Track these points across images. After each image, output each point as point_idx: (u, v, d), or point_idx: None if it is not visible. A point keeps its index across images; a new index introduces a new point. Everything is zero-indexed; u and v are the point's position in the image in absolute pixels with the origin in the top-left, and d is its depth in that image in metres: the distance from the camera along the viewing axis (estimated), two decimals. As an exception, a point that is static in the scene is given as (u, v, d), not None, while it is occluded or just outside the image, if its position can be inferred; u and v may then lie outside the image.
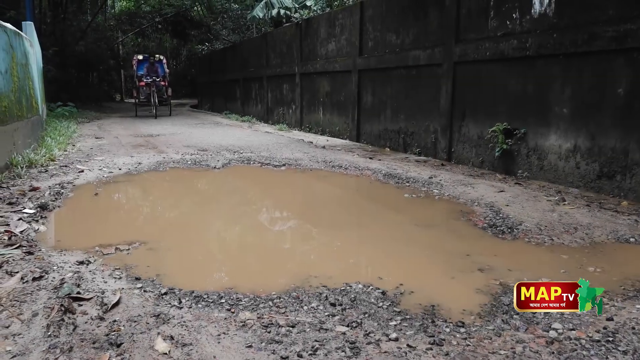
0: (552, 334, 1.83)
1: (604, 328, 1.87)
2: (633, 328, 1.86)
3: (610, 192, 4.03)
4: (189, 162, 5.79)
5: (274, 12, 11.91)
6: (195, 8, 22.62)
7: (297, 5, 11.98)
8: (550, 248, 2.85)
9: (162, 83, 14.29)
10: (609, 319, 1.94)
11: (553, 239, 2.99)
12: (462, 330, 1.86)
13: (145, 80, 13.89)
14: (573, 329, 1.86)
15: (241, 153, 6.57)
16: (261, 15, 12.27)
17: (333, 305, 2.07)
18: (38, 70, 8.86)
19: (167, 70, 14.89)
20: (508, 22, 4.96)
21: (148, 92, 14.05)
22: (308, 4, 11.95)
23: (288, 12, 11.92)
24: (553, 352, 1.70)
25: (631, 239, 2.96)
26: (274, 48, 11.52)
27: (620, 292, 2.22)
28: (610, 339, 1.78)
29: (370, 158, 6.20)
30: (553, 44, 4.41)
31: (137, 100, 14.59)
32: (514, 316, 1.98)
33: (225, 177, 5.12)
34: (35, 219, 3.31)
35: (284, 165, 5.67)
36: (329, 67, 8.69)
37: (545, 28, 4.53)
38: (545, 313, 2.00)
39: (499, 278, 2.38)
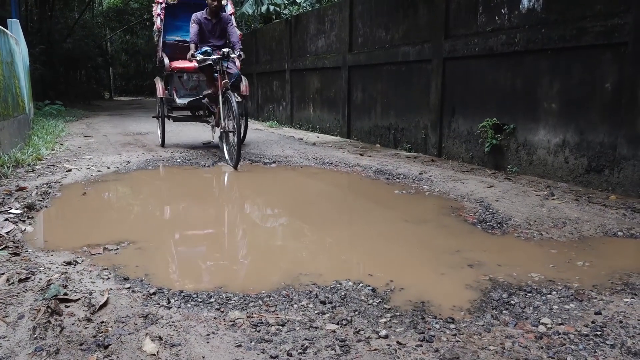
0: (541, 328, 1.84)
1: (592, 322, 1.88)
2: (621, 322, 1.87)
3: (599, 187, 4.06)
4: (179, 161, 5.75)
5: (264, 8, 11.86)
6: (184, 5, 22.45)
7: (286, 2, 11.93)
8: (539, 243, 2.87)
9: (236, 68, 5.90)
10: (597, 313, 1.95)
11: (542, 233, 3.00)
12: (452, 326, 1.86)
13: (195, 57, 5.50)
14: (562, 324, 1.87)
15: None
16: (250, 11, 12.21)
17: (323, 303, 2.06)
18: (24, 68, 8.75)
19: (239, 33, 6.11)
20: (497, 18, 4.97)
21: (208, 91, 5.89)
22: (298, 0, 11.91)
23: (277, 9, 11.88)
24: (542, 347, 1.70)
25: (619, 233, 2.98)
26: (264, 44, 11.46)
27: (608, 286, 2.23)
28: (599, 333, 1.79)
29: (361, 154, 6.19)
30: (541, 39, 4.43)
31: (162, 103, 6.59)
32: (504, 312, 1.99)
33: (214, 175, 5.09)
34: (22, 219, 3.27)
35: (274, 162, 5.65)
36: (319, 64, 8.67)
37: (534, 23, 4.54)
38: (534, 308, 2.01)
39: (488, 274, 2.39)
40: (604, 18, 3.90)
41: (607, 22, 3.87)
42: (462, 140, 5.57)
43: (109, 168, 5.27)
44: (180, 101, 6.49)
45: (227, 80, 5.36)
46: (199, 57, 5.48)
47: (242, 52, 5.68)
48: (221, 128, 5.54)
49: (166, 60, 6.55)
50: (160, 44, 6.70)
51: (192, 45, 5.71)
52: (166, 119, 6.77)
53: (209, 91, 5.86)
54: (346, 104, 7.89)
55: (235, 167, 5.13)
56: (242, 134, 5.53)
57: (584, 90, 4.14)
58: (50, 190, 4.12)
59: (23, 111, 7.11)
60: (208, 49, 5.56)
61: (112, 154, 6.23)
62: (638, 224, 3.14)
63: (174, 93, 6.59)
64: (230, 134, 5.39)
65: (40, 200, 3.77)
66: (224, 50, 5.42)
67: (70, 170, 5.08)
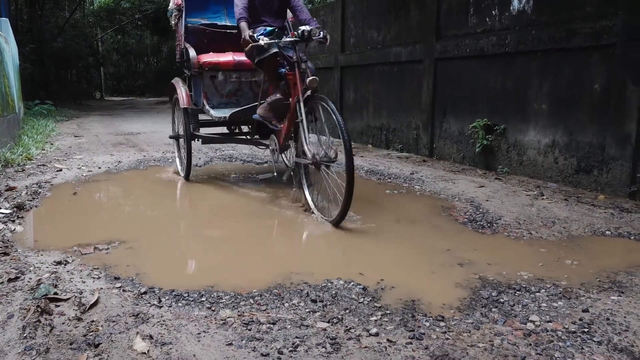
0: (530, 326, 1.86)
1: (580, 319, 1.90)
2: (607, 319, 1.90)
3: (588, 187, 4.10)
4: (170, 160, 5.73)
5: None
6: (176, 4, 22.36)
7: (278, 2, 11.92)
8: (528, 242, 2.90)
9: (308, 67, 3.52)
10: (585, 311, 1.97)
11: (532, 232, 3.03)
12: (442, 324, 1.88)
13: (257, 40, 3.42)
14: (550, 321, 1.89)
15: (223, 150, 6.53)
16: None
17: (314, 301, 2.07)
18: (14, 67, 8.69)
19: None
20: (487, 19, 5.01)
21: (275, 96, 3.80)
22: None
23: (270, 9, 11.84)
24: (530, 344, 1.72)
25: (607, 232, 3.02)
26: (256, 45, 11.44)
27: (596, 284, 2.26)
28: (586, 330, 1.82)
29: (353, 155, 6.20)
30: (532, 41, 4.46)
31: (187, 117, 4.43)
32: (493, 310, 2.01)
33: (206, 175, 5.08)
34: (12, 219, 3.25)
35: (266, 162, 5.65)
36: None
37: (524, 24, 4.58)
38: (523, 306, 2.03)
39: (478, 272, 2.41)
40: (593, 20, 3.95)
41: (596, 24, 3.91)
42: (453, 141, 5.60)
43: (99, 168, 5.25)
44: (215, 113, 4.26)
45: (315, 77, 3.31)
46: (264, 40, 3.39)
47: (326, 33, 3.52)
48: (301, 156, 3.50)
49: (192, 53, 4.38)
50: (182, 30, 4.57)
51: (244, 24, 3.66)
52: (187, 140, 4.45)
53: (275, 97, 3.77)
54: (338, 104, 7.91)
55: (337, 225, 3.13)
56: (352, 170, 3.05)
57: (573, 91, 4.18)
58: (40, 190, 4.09)
59: (13, 111, 7.06)
60: (261, 25, 3.73)
61: (103, 154, 6.20)
62: (626, 223, 3.18)
63: (204, 101, 4.37)
64: (323, 167, 3.29)
65: (30, 200, 3.74)
66: (303, 28, 3.36)
67: (60, 170, 5.05)
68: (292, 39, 3.41)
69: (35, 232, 3.14)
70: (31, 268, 2.39)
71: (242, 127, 5.00)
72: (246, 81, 4.55)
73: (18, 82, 9.26)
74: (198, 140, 4.64)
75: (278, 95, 3.78)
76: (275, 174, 3.95)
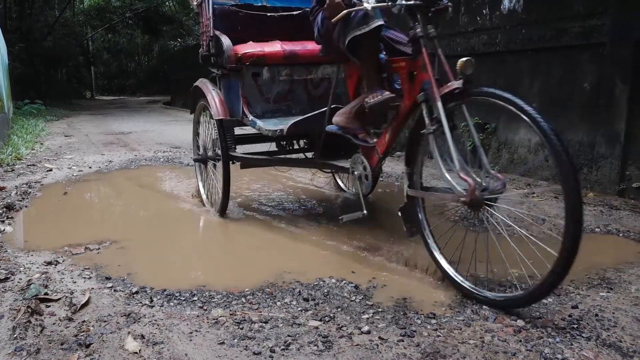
0: (520, 322, 1.87)
1: (569, 316, 1.92)
2: (596, 315, 1.92)
3: (577, 184, 4.13)
4: (162, 160, 5.71)
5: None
6: (167, 3, 22.31)
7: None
8: (518, 239, 2.91)
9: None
10: (574, 307, 2.00)
11: (522, 230, 3.05)
12: (433, 321, 1.89)
13: (359, 2, 2.24)
14: (539, 318, 1.91)
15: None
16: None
17: (306, 300, 2.08)
18: (3, 66, 8.61)
19: None
20: (478, 18, 5.03)
21: (379, 95, 2.39)
22: None
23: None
24: (520, 341, 1.74)
25: (596, 229, 3.05)
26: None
27: (585, 281, 2.28)
28: (575, 326, 1.84)
29: (345, 153, 6.21)
30: (522, 39, 4.49)
31: (222, 132, 3.16)
32: (484, 307, 2.02)
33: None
34: (1, 219, 3.23)
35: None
36: (303, 63, 8.66)
37: (514, 24, 4.61)
38: (513, 303, 2.04)
39: (469, 270, 2.42)
40: (583, 19, 3.98)
41: (586, 23, 3.94)
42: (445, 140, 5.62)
43: (90, 167, 5.22)
44: (266, 125, 3.01)
45: (469, 58, 2.11)
46: (369, 2, 2.25)
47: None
48: (418, 187, 2.42)
49: (226, 42, 3.15)
50: (209, 12, 3.28)
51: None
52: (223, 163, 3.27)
53: (382, 95, 2.43)
54: (330, 104, 7.90)
55: (519, 307, 1.98)
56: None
57: (564, 90, 4.22)
58: (30, 190, 4.07)
59: (2, 110, 7.00)
60: None
61: (93, 154, 6.16)
62: (614, 220, 3.21)
63: (245, 109, 3.12)
64: (484, 210, 2.21)
65: (20, 200, 3.72)
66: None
67: (50, 169, 5.01)
68: (414, 2, 2.15)
69: (25, 232, 3.12)
70: (21, 268, 2.38)
71: (302, 143, 3.64)
72: (299, 79, 3.28)
73: (7, 82, 9.18)
74: (233, 163, 3.36)
75: (386, 93, 2.43)
76: (365, 212, 2.65)
